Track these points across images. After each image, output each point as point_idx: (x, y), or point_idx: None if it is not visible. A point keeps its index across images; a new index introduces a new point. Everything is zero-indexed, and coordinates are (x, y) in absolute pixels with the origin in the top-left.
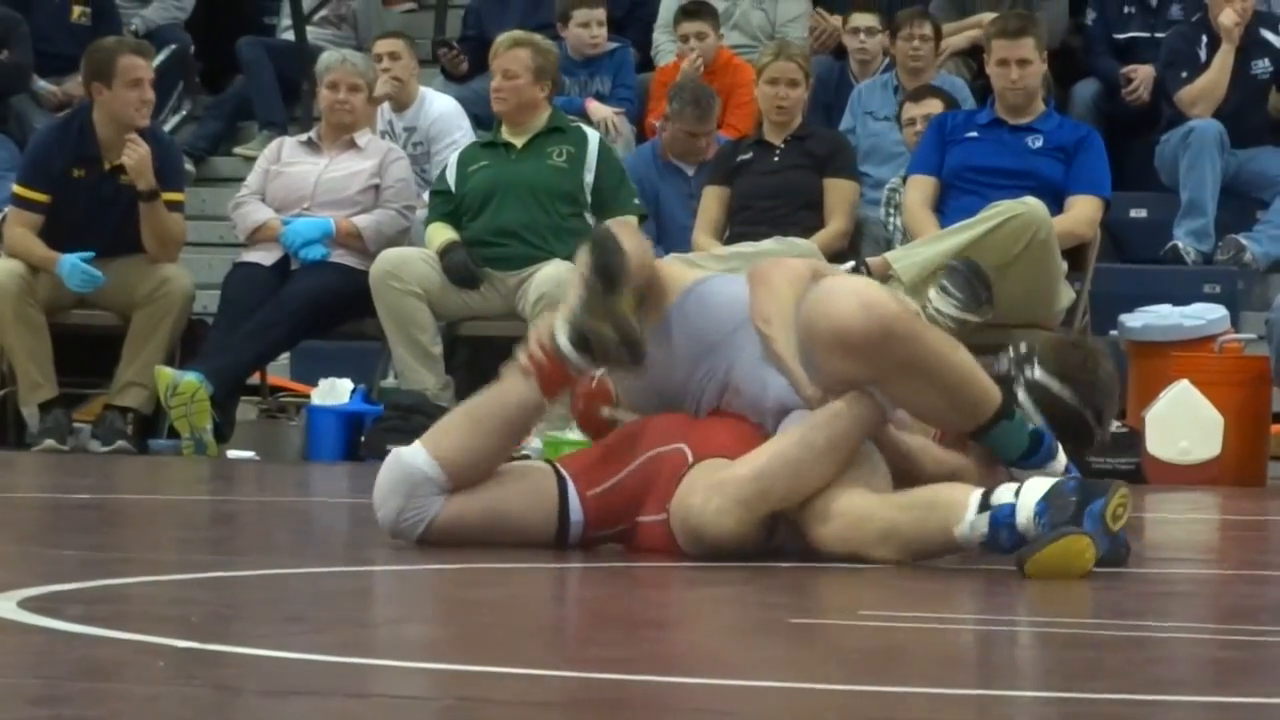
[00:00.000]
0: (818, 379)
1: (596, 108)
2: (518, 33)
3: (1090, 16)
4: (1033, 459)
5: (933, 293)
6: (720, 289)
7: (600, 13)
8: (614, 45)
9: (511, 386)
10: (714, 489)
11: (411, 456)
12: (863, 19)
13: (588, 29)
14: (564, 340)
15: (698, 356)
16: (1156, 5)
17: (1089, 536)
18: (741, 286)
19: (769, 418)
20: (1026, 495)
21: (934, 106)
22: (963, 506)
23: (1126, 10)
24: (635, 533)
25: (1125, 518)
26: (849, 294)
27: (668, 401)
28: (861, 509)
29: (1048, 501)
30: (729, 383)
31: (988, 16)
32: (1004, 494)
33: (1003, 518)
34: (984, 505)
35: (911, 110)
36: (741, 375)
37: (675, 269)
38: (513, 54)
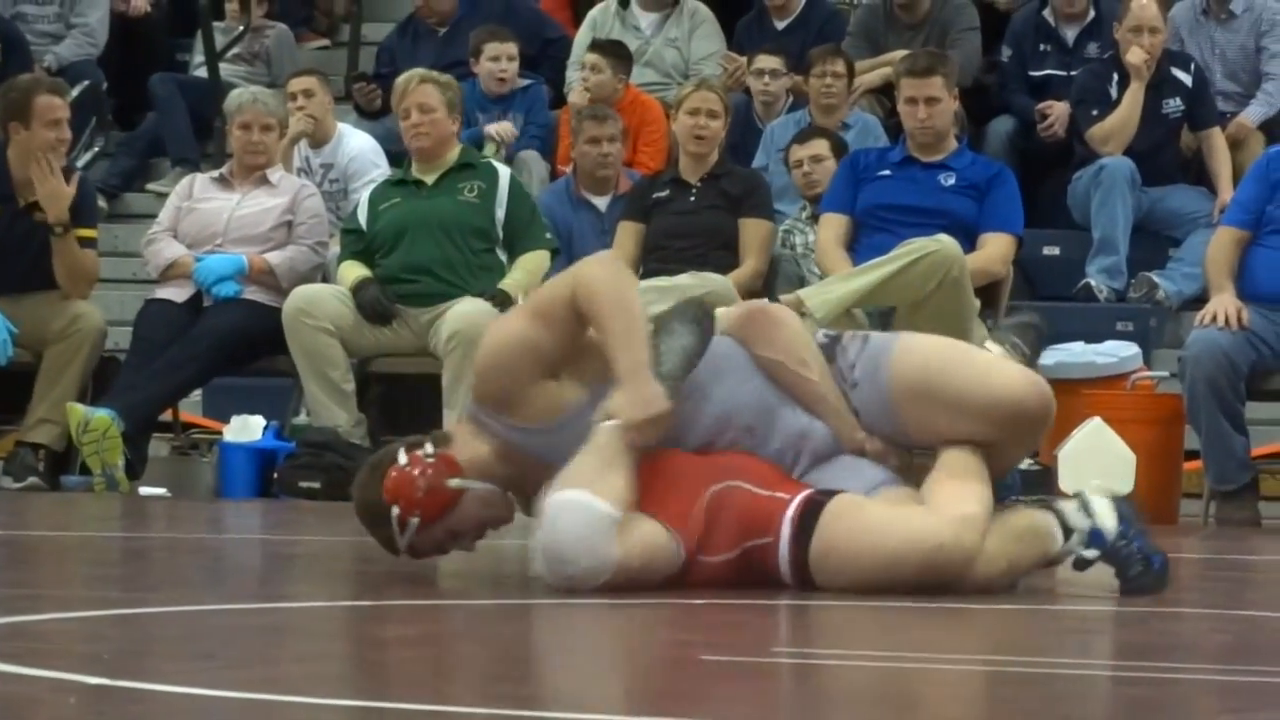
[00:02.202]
0: (889, 428)
1: (494, 129)
2: (422, 70)
3: (1005, 54)
4: None
5: (1004, 349)
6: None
7: (511, 46)
8: (526, 82)
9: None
10: (965, 525)
11: (596, 504)
12: (767, 61)
13: (498, 63)
14: None
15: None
16: (1073, 44)
17: None
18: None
19: (805, 457)
20: (1104, 519)
21: (820, 148)
22: (1052, 535)
23: (1042, 48)
24: (693, 570)
25: None
26: (1021, 373)
27: None
28: (987, 550)
29: (1127, 523)
30: (754, 430)
31: (900, 54)
32: (1080, 518)
33: (1099, 543)
34: (1068, 529)
35: (798, 152)
36: (765, 424)
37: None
38: (424, 89)
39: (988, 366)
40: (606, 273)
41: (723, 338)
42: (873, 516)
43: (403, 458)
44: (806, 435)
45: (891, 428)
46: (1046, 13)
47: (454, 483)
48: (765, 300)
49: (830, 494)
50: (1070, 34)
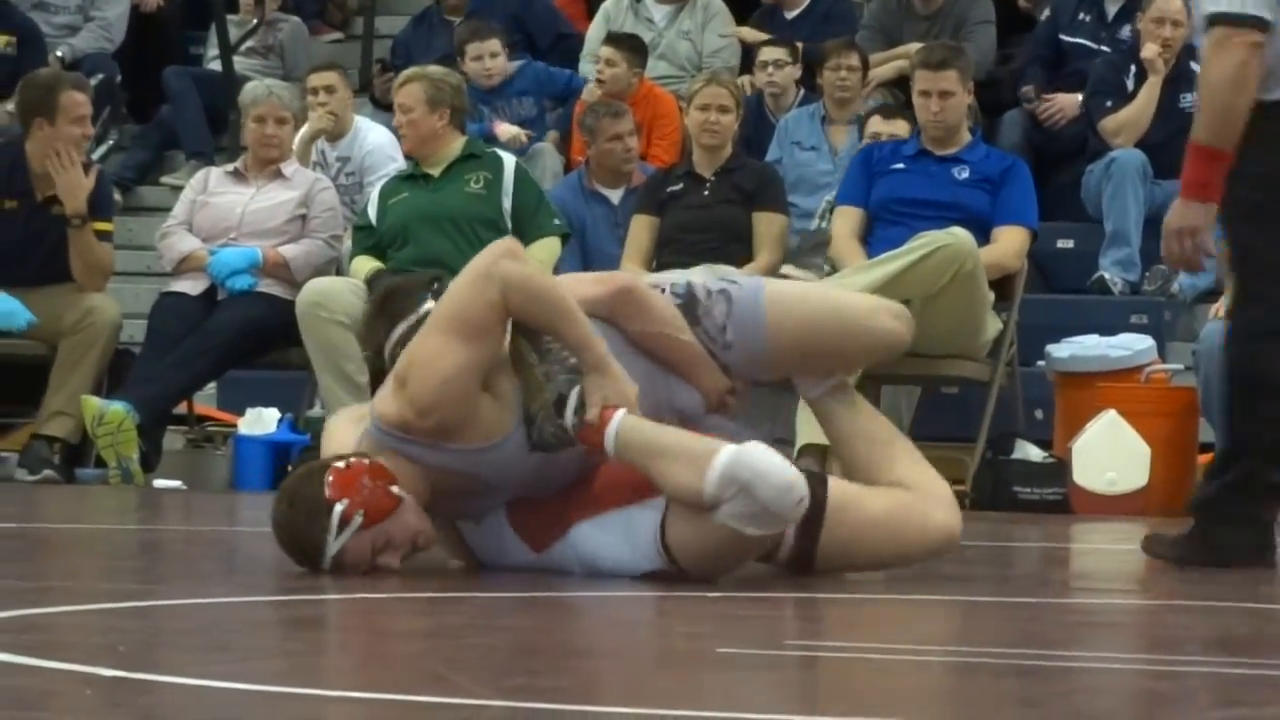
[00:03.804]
0: (758, 375)
1: (505, 129)
2: (412, 69)
3: (1044, 13)
4: None
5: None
6: None
7: (493, 44)
8: (519, 63)
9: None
10: (954, 506)
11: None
12: (770, 52)
13: (481, 62)
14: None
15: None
16: (1111, 19)
17: None
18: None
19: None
20: None
21: (901, 128)
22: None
23: (1081, 16)
24: None
25: None
26: (888, 312)
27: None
28: None
29: None
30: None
31: (914, 47)
32: None
33: None
34: None
35: (880, 126)
36: (650, 398)
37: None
38: (405, 89)
39: (859, 315)
40: (524, 268)
41: (592, 320)
42: (875, 510)
43: (340, 462)
44: (677, 406)
45: (761, 375)
46: None
47: (395, 489)
48: (618, 273)
49: (820, 482)
50: (1111, 9)
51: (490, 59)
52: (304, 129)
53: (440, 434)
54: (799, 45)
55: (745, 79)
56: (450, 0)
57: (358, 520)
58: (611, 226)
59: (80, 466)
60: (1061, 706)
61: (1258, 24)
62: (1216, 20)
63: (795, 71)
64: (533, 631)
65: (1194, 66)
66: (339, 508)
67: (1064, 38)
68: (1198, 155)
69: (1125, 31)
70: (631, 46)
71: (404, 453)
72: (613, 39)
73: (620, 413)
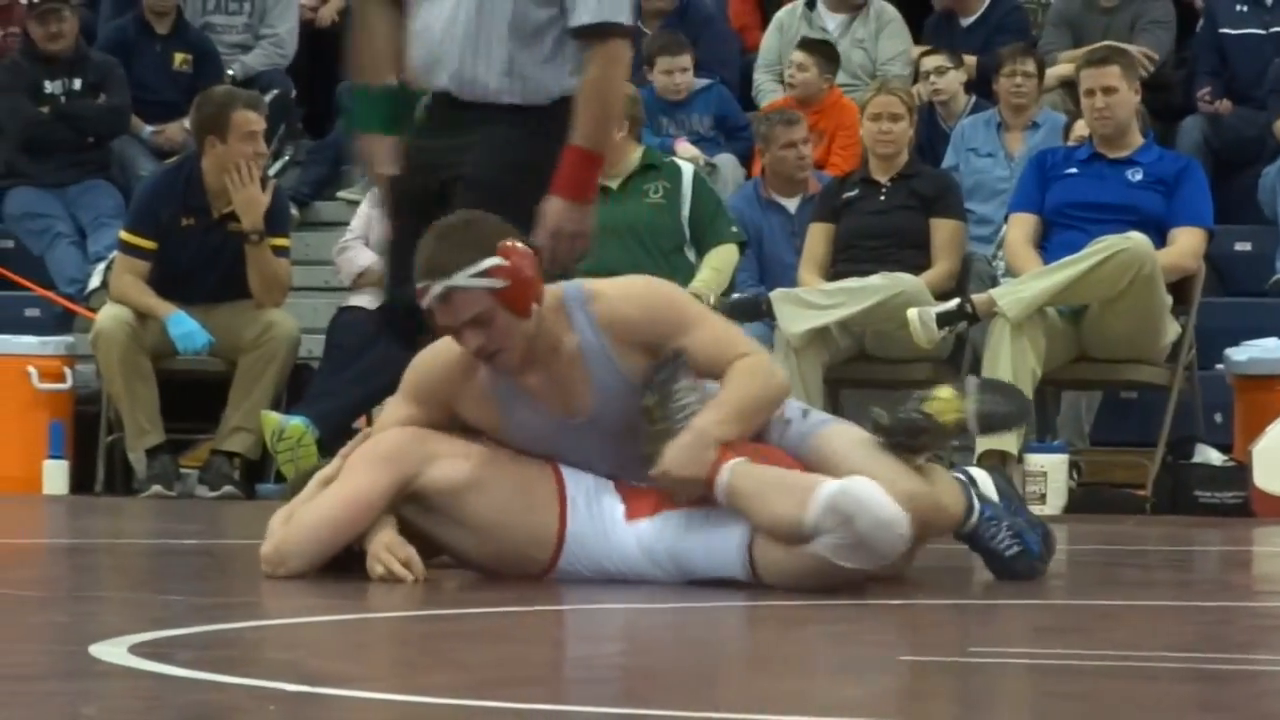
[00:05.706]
0: None
1: (685, 148)
2: None
3: (1199, 25)
4: None
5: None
6: None
7: (683, 59)
8: (705, 82)
9: None
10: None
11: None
12: (931, 60)
13: (670, 76)
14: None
15: None
16: (1272, 3)
17: None
18: None
19: None
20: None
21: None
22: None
23: (1239, 8)
24: None
25: None
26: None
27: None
28: None
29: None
30: None
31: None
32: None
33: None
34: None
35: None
36: None
37: None
38: None
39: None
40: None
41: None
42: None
43: (522, 243)
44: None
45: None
46: None
47: (535, 306)
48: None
49: None
50: None
51: (680, 74)
52: None
53: (648, 333)
54: (960, 52)
55: (918, 88)
56: (656, 4)
57: (495, 285)
58: (788, 235)
59: (260, 482)
60: (1247, 710)
61: (632, 32)
62: (610, 32)
63: (960, 76)
64: (719, 642)
65: None
66: (495, 260)
67: (1226, 32)
68: (583, 159)
69: None
70: (824, 53)
71: (577, 325)
72: (806, 44)
73: (730, 461)
